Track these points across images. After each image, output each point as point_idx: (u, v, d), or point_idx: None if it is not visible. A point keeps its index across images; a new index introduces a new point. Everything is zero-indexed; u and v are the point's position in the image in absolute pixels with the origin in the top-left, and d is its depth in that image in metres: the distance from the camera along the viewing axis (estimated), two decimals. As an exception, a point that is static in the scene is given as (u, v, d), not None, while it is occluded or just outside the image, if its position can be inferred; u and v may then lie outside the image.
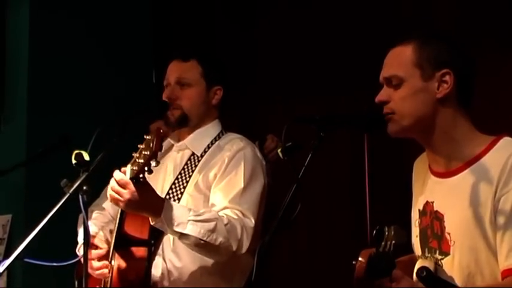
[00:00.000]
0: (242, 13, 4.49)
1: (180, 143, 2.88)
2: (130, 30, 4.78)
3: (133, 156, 2.42)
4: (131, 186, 2.42)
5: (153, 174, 2.85)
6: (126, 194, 2.43)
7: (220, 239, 2.54)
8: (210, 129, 2.88)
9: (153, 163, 2.35)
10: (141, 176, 2.40)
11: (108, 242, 2.77)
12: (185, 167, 2.81)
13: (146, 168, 2.37)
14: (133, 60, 4.72)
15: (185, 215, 2.53)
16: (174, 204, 2.60)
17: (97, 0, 4.68)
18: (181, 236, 2.54)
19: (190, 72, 2.87)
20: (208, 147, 2.84)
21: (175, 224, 2.51)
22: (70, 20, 4.49)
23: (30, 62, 4.35)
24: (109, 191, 2.50)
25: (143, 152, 2.36)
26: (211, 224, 2.53)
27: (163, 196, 2.73)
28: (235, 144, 2.80)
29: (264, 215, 2.75)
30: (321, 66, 4.01)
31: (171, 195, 2.75)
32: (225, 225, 2.55)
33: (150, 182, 2.85)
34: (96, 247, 2.77)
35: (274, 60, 4.25)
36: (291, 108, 3.98)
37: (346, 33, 3.91)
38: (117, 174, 2.47)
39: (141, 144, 2.40)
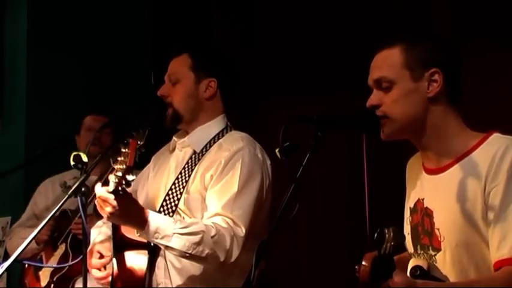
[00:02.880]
0: (241, 14, 4.49)
1: (182, 140, 2.83)
2: (128, 33, 4.79)
3: (114, 168, 2.36)
4: (112, 201, 2.40)
5: (158, 172, 2.87)
6: (108, 208, 2.42)
7: (206, 251, 2.50)
8: (212, 125, 2.81)
9: (129, 177, 2.32)
10: (120, 189, 2.36)
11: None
12: (186, 165, 2.76)
13: (124, 182, 2.34)
14: (131, 62, 4.73)
15: (170, 227, 2.49)
16: (159, 216, 2.57)
17: (96, 2, 4.68)
18: (167, 247, 2.51)
19: (179, 67, 2.81)
20: (210, 144, 2.77)
21: (160, 236, 2.48)
22: (68, 22, 4.50)
23: (28, 64, 4.36)
24: (96, 203, 2.49)
25: (120, 166, 2.32)
26: (197, 237, 2.49)
27: (164, 196, 2.72)
28: (234, 144, 2.72)
29: (268, 215, 2.73)
30: (319, 66, 4.01)
31: (172, 195, 2.72)
32: (212, 236, 2.50)
33: (154, 181, 2.86)
34: (101, 255, 2.74)
35: (273, 61, 4.25)
36: (290, 108, 3.98)
37: (344, 34, 3.91)
38: (98, 189, 2.44)
39: (120, 155, 2.35)
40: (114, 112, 3.68)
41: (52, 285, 3.37)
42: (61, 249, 3.45)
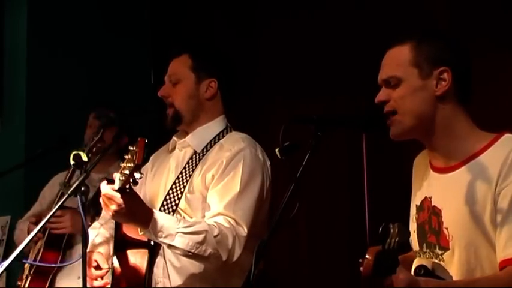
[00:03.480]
0: (242, 14, 4.49)
1: (182, 140, 2.84)
2: (128, 33, 4.78)
3: (120, 166, 2.38)
4: (117, 199, 2.40)
5: (157, 172, 2.88)
6: (113, 206, 2.42)
7: (209, 251, 2.51)
8: (213, 126, 2.82)
9: (137, 175, 2.33)
10: (127, 187, 2.37)
11: (109, 258, 2.76)
12: (186, 165, 2.77)
13: (131, 180, 2.34)
14: (131, 62, 4.73)
15: (174, 226, 2.50)
16: (163, 215, 2.58)
17: (96, 3, 4.68)
18: (170, 246, 2.52)
19: (179, 68, 2.82)
20: (211, 145, 2.78)
21: (164, 235, 2.49)
22: (68, 22, 4.50)
23: (28, 64, 4.36)
24: (101, 200, 2.49)
25: (128, 164, 2.33)
26: (200, 237, 2.50)
27: (164, 196, 2.73)
28: (236, 144, 2.73)
29: (268, 214, 2.73)
30: (320, 66, 4.01)
31: (172, 195, 2.73)
32: (215, 236, 2.51)
33: (153, 181, 2.87)
34: (98, 266, 2.76)
35: (274, 61, 4.25)
36: (292, 108, 3.98)
37: (345, 34, 3.91)
38: (103, 187, 2.44)
39: (127, 154, 2.36)
40: (117, 108, 3.70)
41: (29, 278, 3.41)
42: (40, 243, 3.49)
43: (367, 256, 1.83)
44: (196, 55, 2.83)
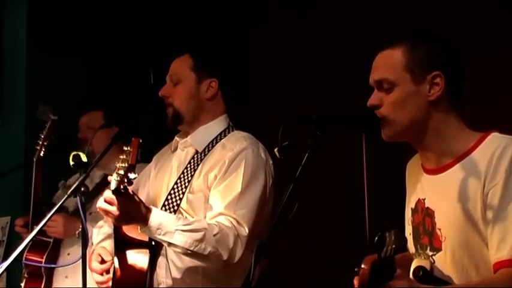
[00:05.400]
0: (240, 14, 4.49)
1: (184, 140, 2.84)
2: (128, 33, 4.79)
3: (116, 166, 2.38)
4: (116, 202, 2.42)
5: (160, 171, 2.89)
6: (114, 210, 2.43)
7: (209, 249, 2.51)
8: (214, 125, 2.82)
9: (131, 175, 2.34)
10: (121, 187, 2.38)
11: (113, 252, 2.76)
12: (188, 165, 2.77)
13: (126, 180, 2.35)
14: (131, 62, 4.73)
15: (173, 224, 2.51)
16: (162, 213, 2.59)
17: (96, 3, 4.69)
18: (170, 244, 2.53)
19: (180, 68, 2.83)
20: (213, 144, 2.78)
21: (162, 232, 2.49)
22: (68, 22, 4.50)
23: (28, 64, 4.35)
24: (98, 205, 2.49)
25: (122, 164, 2.34)
26: (199, 234, 2.50)
27: (166, 195, 2.73)
28: (238, 144, 2.73)
29: (271, 214, 2.73)
30: (318, 66, 4.01)
31: (174, 195, 2.73)
32: (215, 234, 2.51)
33: (156, 181, 2.88)
34: (102, 260, 2.76)
35: (271, 60, 4.25)
36: (289, 108, 3.98)
37: (343, 33, 3.91)
38: (106, 193, 2.45)
39: (122, 154, 2.36)
40: (109, 105, 3.70)
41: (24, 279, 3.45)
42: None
43: (362, 266, 1.83)
44: (197, 55, 2.84)
